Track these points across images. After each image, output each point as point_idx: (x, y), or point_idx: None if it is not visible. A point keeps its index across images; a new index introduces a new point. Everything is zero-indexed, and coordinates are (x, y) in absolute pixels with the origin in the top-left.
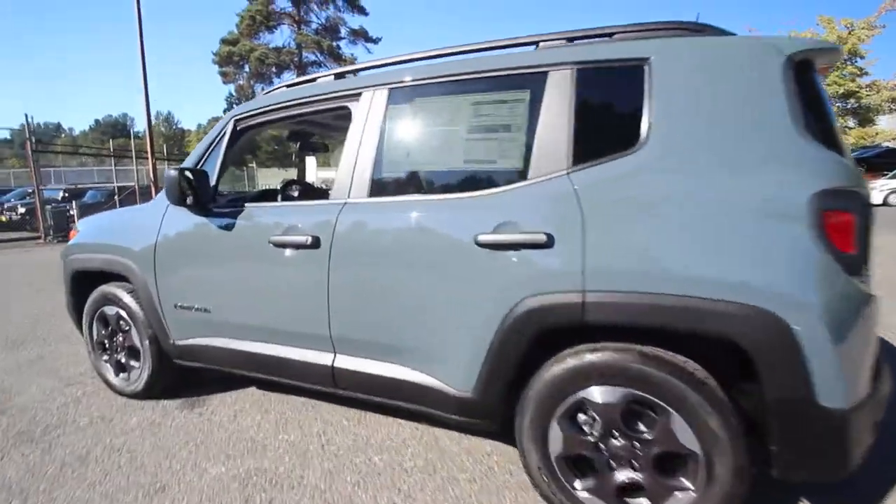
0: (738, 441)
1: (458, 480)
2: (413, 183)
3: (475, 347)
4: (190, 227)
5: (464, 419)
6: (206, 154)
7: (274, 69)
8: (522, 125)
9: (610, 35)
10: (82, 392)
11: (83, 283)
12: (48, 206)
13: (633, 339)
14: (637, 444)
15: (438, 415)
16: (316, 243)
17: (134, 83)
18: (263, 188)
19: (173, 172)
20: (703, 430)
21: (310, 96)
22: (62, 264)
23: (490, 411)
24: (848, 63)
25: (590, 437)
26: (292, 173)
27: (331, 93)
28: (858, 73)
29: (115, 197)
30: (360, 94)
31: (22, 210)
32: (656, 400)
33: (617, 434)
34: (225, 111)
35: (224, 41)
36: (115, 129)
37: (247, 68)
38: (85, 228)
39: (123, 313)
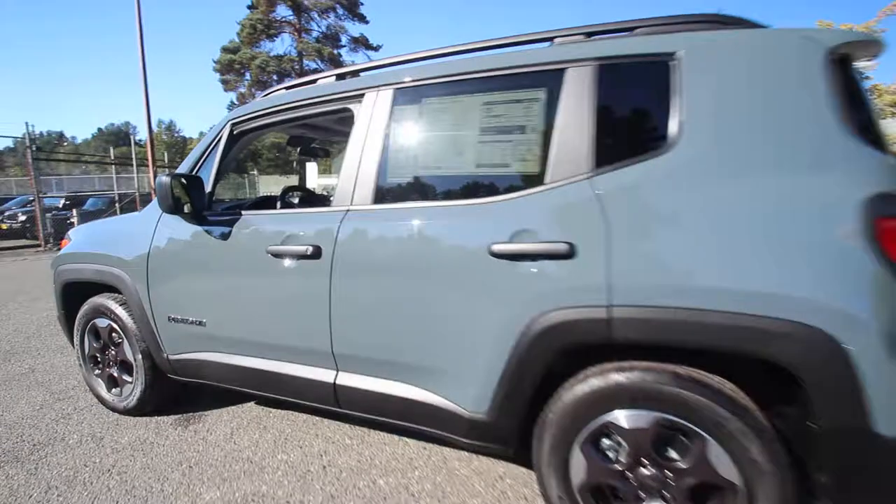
0: (783, 471)
1: None
2: (420, 189)
3: (489, 366)
4: (184, 236)
5: (476, 443)
6: (202, 160)
7: (275, 77)
8: (538, 126)
9: (631, 29)
10: (73, 408)
11: (74, 294)
12: (48, 214)
13: (661, 358)
14: (669, 473)
15: (448, 437)
16: (317, 253)
17: (137, 92)
18: (262, 195)
19: (165, 179)
20: (743, 459)
21: (310, 98)
22: (52, 274)
23: (505, 435)
24: None
25: (616, 465)
26: (294, 180)
27: (332, 94)
28: None
29: (116, 204)
30: (363, 95)
31: (22, 218)
32: (691, 425)
33: (646, 462)
34: None
35: (225, 49)
36: (118, 137)
37: (248, 76)
38: (76, 237)
39: (115, 326)
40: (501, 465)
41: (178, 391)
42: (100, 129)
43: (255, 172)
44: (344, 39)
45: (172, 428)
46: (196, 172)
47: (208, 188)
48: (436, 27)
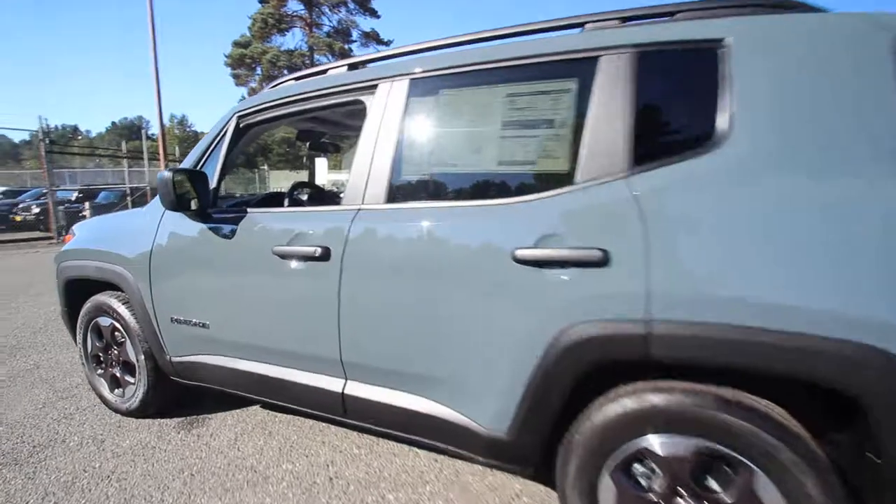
0: None
1: None
2: (437, 187)
3: (511, 380)
4: (187, 234)
5: (493, 462)
6: (206, 154)
7: (286, 72)
8: (568, 120)
9: (671, 14)
10: (76, 407)
11: (78, 291)
12: (61, 207)
13: (700, 378)
14: None
15: (463, 455)
16: (325, 255)
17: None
18: (269, 192)
19: (167, 174)
20: (795, 492)
21: (320, 89)
22: (55, 270)
23: (526, 455)
24: None
25: (650, 494)
26: (304, 175)
27: (343, 85)
28: None
29: (128, 198)
30: (376, 87)
31: (36, 210)
32: (736, 454)
33: (684, 493)
34: None
35: (236, 43)
36: (131, 131)
37: (259, 71)
38: (80, 233)
39: (118, 325)
40: (518, 481)
41: (181, 393)
42: (113, 123)
43: (266, 167)
44: (355, 34)
45: (175, 431)
46: (201, 167)
47: (213, 184)
48: (446, 23)
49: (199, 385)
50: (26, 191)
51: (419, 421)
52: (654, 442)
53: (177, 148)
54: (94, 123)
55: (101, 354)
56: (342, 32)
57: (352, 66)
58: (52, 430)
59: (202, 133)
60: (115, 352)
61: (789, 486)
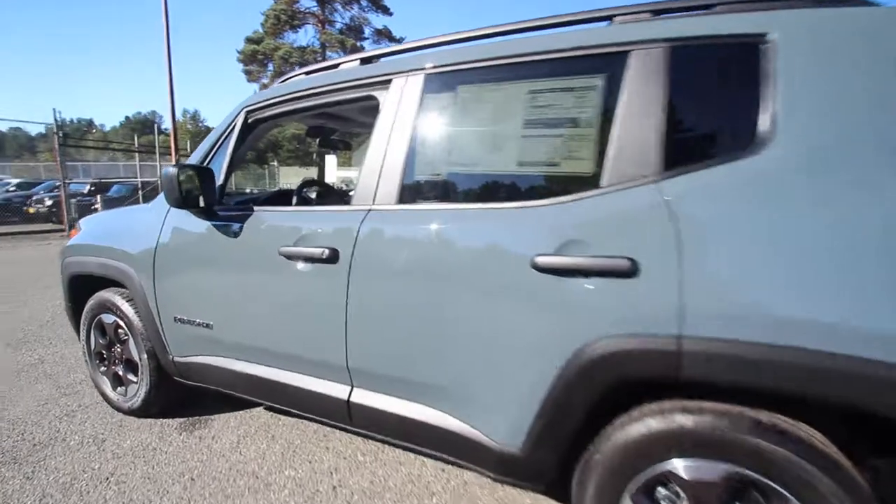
0: None
1: None
2: (452, 188)
3: (527, 394)
4: (192, 232)
5: (505, 478)
6: (214, 150)
7: (297, 68)
8: (594, 119)
9: (708, 7)
10: (78, 404)
11: (82, 286)
12: (74, 200)
13: (733, 399)
14: None
15: (473, 469)
16: (333, 257)
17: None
18: (278, 189)
19: (172, 170)
20: None
21: (331, 84)
22: (60, 265)
23: (540, 472)
24: None
25: None
26: (314, 172)
27: (356, 80)
28: None
29: (139, 192)
30: (390, 82)
31: (49, 202)
32: (771, 483)
33: None
34: None
35: (249, 39)
36: (145, 125)
37: (271, 67)
38: (86, 227)
39: (122, 323)
40: (529, 495)
41: (184, 393)
42: (127, 118)
43: (276, 164)
44: (367, 31)
45: (177, 433)
46: (208, 163)
47: (220, 180)
48: (459, 22)
49: (202, 386)
50: (40, 183)
51: (428, 432)
52: (680, 465)
53: (188, 143)
54: (109, 118)
55: (104, 352)
56: (354, 29)
57: (364, 61)
58: (53, 428)
59: (214, 128)
60: (119, 350)
61: None
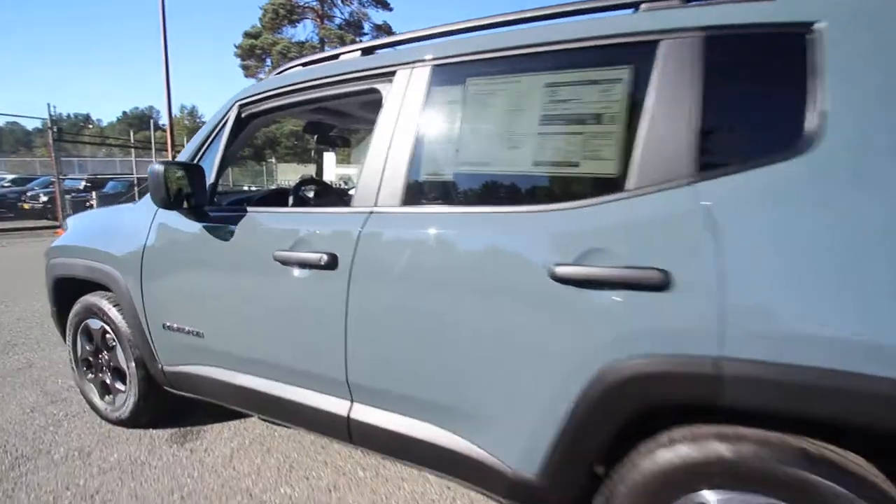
0: None
1: None
2: (462, 190)
3: (545, 416)
4: (181, 234)
5: None
6: (205, 146)
7: None
8: (619, 115)
9: None
10: (65, 413)
11: (68, 289)
12: (69, 196)
13: (772, 426)
14: None
15: (483, 493)
16: (332, 263)
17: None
18: (273, 188)
19: (158, 167)
20: None
21: (330, 76)
22: (45, 267)
23: (557, 501)
24: None
25: None
26: (312, 169)
27: (357, 72)
28: None
29: (135, 188)
30: (394, 74)
31: (44, 198)
32: None
33: None
34: None
35: (247, 34)
36: (142, 121)
37: (269, 62)
38: (73, 227)
39: (109, 329)
40: None
41: (175, 402)
42: (124, 113)
43: (274, 160)
44: (367, 27)
45: (167, 445)
46: (198, 160)
47: (211, 179)
48: (460, 17)
49: (193, 397)
50: (35, 178)
51: (434, 453)
52: (713, 498)
53: (185, 138)
54: (106, 113)
55: (91, 359)
56: (354, 25)
57: (366, 51)
58: (37, 439)
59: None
60: (106, 357)
61: None
